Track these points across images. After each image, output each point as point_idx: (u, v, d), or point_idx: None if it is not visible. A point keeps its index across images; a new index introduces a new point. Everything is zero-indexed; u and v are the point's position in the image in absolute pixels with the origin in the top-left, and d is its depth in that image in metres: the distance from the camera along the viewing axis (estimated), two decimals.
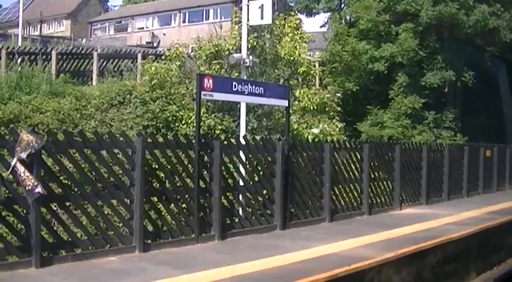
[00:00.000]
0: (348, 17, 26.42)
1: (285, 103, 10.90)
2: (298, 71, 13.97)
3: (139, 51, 21.24)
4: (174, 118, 13.55)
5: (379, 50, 21.91)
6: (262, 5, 10.47)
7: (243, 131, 10.71)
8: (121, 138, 8.09)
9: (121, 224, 8.23)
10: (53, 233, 7.41)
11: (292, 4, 32.08)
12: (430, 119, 22.22)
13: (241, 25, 14.16)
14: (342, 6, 28.25)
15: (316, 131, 13.89)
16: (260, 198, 10.31)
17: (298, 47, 14.06)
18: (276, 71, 13.66)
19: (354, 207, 12.74)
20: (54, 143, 7.39)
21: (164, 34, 46.81)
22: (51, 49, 18.16)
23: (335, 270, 7.55)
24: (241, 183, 9.98)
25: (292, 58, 13.86)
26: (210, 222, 9.24)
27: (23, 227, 7.07)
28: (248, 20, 10.64)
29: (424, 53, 22.33)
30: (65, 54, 18.76)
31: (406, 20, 22.42)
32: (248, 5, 10.66)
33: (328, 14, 29.05)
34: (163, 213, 8.71)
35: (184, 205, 8.98)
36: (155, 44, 46.80)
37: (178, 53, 15.69)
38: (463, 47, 22.66)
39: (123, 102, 13.82)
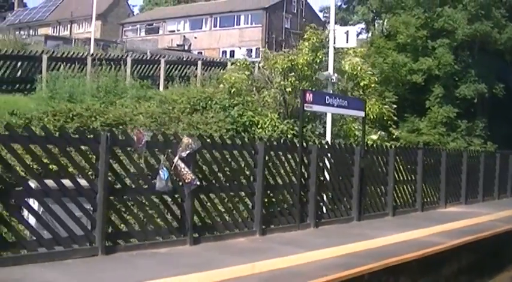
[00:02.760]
0: (382, 29, 28.29)
1: (362, 114, 12.88)
2: (361, 83, 15.81)
3: (199, 59, 23.18)
4: (251, 123, 15.39)
5: (417, 63, 23.84)
6: (348, 31, 12.37)
7: (328, 137, 12.62)
8: (247, 142, 10.01)
9: (244, 211, 10.09)
10: (200, 218, 9.26)
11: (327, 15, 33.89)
12: (462, 128, 24.18)
13: (310, 43, 16.14)
14: (375, 18, 30.10)
15: (374, 137, 15.79)
16: (341, 194, 12.22)
17: (359, 62, 15.89)
18: (339, 83, 15.50)
19: (409, 204, 14.68)
20: (204, 145, 9.28)
21: (195, 37, 48.76)
22: (127, 56, 20.09)
23: (420, 251, 9.47)
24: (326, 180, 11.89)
25: (355, 72, 15.70)
26: (306, 213, 11.13)
27: (180, 212, 8.92)
28: (334, 43, 12.52)
29: (458, 67, 24.23)
30: (137, 60, 20.65)
31: (441, 36, 24.34)
32: (335, 30, 12.56)
33: (358, 24, 30.99)
34: (274, 204, 10.59)
35: (289, 198, 10.85)
36: (186, 47, 48.77)
37: (247, 63, 17.53)
38: (493, 61, 24.50)
39: (205, 107, 15.68)
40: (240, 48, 46.79)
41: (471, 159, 17.99)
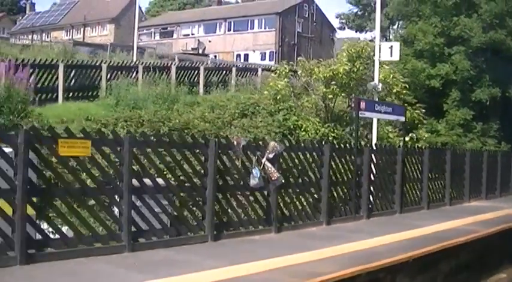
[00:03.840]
0: (397, 35, 29.96)
1: (403, 118, 14.51)
2: (393, 90, 17.42)
3: (233, 66, 24.80)
4: (295, 126, 16.98)
5: (435, 68, 25.54)
6: (392, 46, 14.00)
7: (374, 139, 14.25)
8: (316, 145, 11.62)
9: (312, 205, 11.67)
10: (281, 210, 10.83)
11: (343, 21, 35.53)
12: (478, 129, 25.93)
13: (347, 53, 17.72)
14: (391, 25, 31.78)
15: (406, 138, 17.42)
16: (387, 190, 13.83)
17: (391, 71, 17.50)
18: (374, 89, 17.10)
19: (439, 199, 16.30)
20: (290, 148, 10.88)
21: (210, 41, 50.33)
22: (171, 64, 21.69)
23: (469, 236, 11.11)
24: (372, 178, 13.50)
25: (388, 80, 17.30)
26: (360, 206, 12.74)
27: (265, 205, 10.48)
28: (380, 57, 14.14)
29: (473, 72, 25.94)
30: (179, 67, 22.19)
31: (457, 43, 26.06)
32: (380, 45, 14.19)
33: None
34: (336, 198, 12.18)
35: (347, 193, 12.45)
36: (200, 51, 50.31)
37: (286, 71, 19.12)
38: (506, 66, 26.20)
39: (253, 112, 17.27)
40: (254, 51, 48.42)
41: (490, 158, 19.64)
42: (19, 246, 6.80)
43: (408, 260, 8.57)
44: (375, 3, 31.54)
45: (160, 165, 9.07)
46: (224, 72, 23.45)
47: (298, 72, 19.14)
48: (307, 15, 50.45)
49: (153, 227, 8.47)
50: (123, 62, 21.65)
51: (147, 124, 14.43)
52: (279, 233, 10.40)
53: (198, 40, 50.77)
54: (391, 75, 17.48)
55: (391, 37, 30.23)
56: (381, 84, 14.50)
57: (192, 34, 53.07)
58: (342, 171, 12.24)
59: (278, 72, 19.38)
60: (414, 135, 17.64)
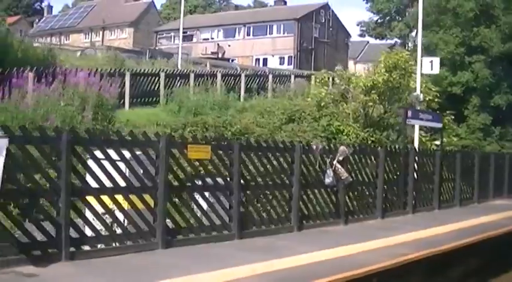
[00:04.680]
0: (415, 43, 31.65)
1: (440, 125, 16.25)
2: (426, 98, 19.09)
3: (269, 72, 26.54)
4: (337, 131, 18.65)
5: (456, 76, 27.33)
6: (432, 60, 15.73)
7: (416, 144, 15.97)
8: (374, 149, 13.35)
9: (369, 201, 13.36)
10: (347, 205, 12.48)
11: (363, 29, 37.22)
12: (496, 133, 27.73)
13: (385, 64, 19.38)
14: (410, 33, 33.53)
15: (437, 142, 19.11)
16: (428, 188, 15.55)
17: (424, 81, 19.19)
18: (408, 98, 18.83)
19: (468, 197, 18.01)
20: (358, 151, 12.59)
21: (229, 45, 52.00)
22: (217, 71, 23.45)
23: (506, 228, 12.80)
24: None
25: (421, 89, 18.98)
26: (406, 202, 14.45)
27: (335, 200, 12.16)
28: (421, 70, 15.86)
29: (492, 80, 27.71)
30: (223, 74, 23.90)
31: (477, 52, 27.82)
32: (422, 60, 15.91)
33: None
34: (388, 195, 13.88)
35: (397, 190, 14.15)
36: (220, 55, 52.02)
37: (325, 80, 20.81)
38: None
39: (300, 118, 18.95)
40: (273, 56, 50.12)
41: (511, 160, 21.37)
42: (160, 233, 8.49)
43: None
44: (395, 12, 33.47)
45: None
46: (262, 78, 25.18)
47: (337, 81, 20.82)
48: (323, 21, 52.18)
49: (253, 218, 10.19)
50: (177, 70, 23.36)
51: (211, 129, 16.10)
52: (346, 225, 12.12)
53: (218, 44, 52.41)
54: (424, 85, 19.16)
55: (409, 44, 31.91)
56: (422, 95, 16.20)
57: (212, 38, 54.74)
58: (393, 171, 13.96)
59: (318, 80, 21.06)
60: (444, 140, 19.35)
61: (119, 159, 8.15)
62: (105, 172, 7.93)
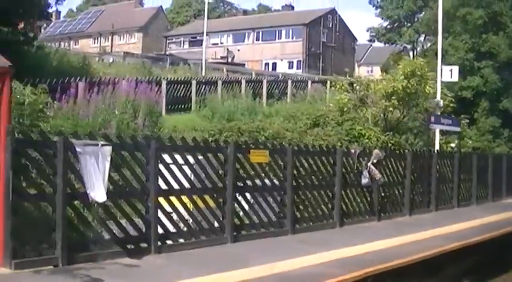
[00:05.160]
0: (426, 49, 32.95)
1: (459, 129, 17.42)
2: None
3: (289, 79, 27.74)
4: (359, 134, 19.73)
5: (466, 81, 28.55)
6: (452, 69, 16.92)
7: (437, 146, 17.12)
8: (403, 152, 14.51)
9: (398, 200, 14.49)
10: (380, 203, 13.61)
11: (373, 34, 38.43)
12: (505, 135, 29.03)
13: (403, 71, 20.48)
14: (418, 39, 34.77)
15: (453, 145, 20.28)
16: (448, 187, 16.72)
17: (442, 88, 20.33)
18: (424, 103, 20.00)
19: (484, 196, 19.16)
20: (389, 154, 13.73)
21: (238, 50, 53.22)
22: (241, 78, 24.67)
23: None
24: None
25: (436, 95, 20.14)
26: (430, 201, 15.60)
27: (370, 199, 13.29)
28: (441, 77, 17.02)
29: (501, 84, 29.01)
30: (248, 81, 25.13)
31: (486, 58, 29.09)
32: (441, 68, 17.09)
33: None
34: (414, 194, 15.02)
35: (423, 189, 15.31)
36: (230, 59, 53.19)
37: (344, 86, 21.91)
38: None
39: (324, 122, 20.04)
40: (282, 60, 51.35)
41: None
42: (229, 229, 9.61)
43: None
44: (404, 18, 34.68)
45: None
46: (282, 84, 26.37)
47: (356, 87, 21.90)
48: (330, 26, 53.44)
49: (303, 215, 11.33)
50: (207, 77, 24.57)
51: (246, 134, 17.17)
52: (379, 221, 13.26)
53: (227, 49, 53.62)
54: (440, 91, 20.30)
55: (418, 49, 33.18)
56: (441, 101, 17.37)
57: (221, 43, 55.95)
58: (419, 172, 15.12)
59: (338, 86, 22.20)
60: (458, 142, 20.53)
61: (194, 163, 9.26)
62: (184, 175, 9.04)
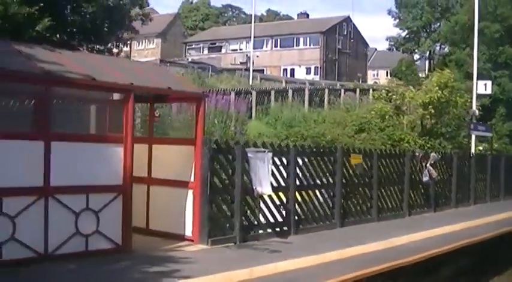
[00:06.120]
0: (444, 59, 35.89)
1: (491, 134, 20.26)
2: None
3: (326, 87, 30.65)
4: (399, 139, 22.53)
5: None
6: (486, 83, 19.76)
7: (472, 149, 19.96)
8: (450, 155, 17.33)
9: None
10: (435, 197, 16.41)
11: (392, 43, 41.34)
12: None
13: (437, 82, 23.30)
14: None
15: (481, 147, 23.16)
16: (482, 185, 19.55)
17: (469, 97, 23.19)
18: (455, 110, 22.88)
19: (510, 194, 21.99)
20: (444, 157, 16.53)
21: (257, 56, 55.92)
22: (288, 88, 27.65)
23: None
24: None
25: (467, 104, 22.98)
26: (469, 196, 18.40)
27: (427, 194, 16.06)
28: (477, 90, 19.88)
29: None
30: (294, 90, 28.03)
31: (502, 68, 32.06)
32: (477, 83, 19.94)
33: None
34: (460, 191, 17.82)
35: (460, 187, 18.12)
36: (249, 65, 55.84)
37: (382, 95, 24.75)
38: None
39: (368, 128, 22.84)
40: (300, 66, 54.20)
41: None
42: (338, 216, 12.39)
43: None
44: (422, 30, 37.62)
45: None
46: (320, 92, 29.24)
47: (392, 96, 24.73)
48: (345, 33, 56.36)
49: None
50: (264, 87, 27.40)
51: (308, 139, 19.93)
52: (435, 212, 16.06)
53: (247, 55, 56.27)
54: (469, 100, 23.16)
55: (436, 58, 36.11)
56: (477, 111, 20.23)
57: (240, 49, 58.72)
58: (462, 171, 17.95)
59: (377, 95, 25.04)
60: (486, 145, 23.44)
61: (309, 164, 11.99)
62: (307, 173, 11.80)
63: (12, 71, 7.77)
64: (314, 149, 12.46)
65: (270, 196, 10.73)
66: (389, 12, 50.06)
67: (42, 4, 16.83)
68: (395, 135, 22.67)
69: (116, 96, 9.88)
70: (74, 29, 20.35)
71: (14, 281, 7.02)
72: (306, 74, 52.81)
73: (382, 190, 14.11)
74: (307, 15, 62.70)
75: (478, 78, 20.62)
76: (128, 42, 26.31)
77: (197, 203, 9.68)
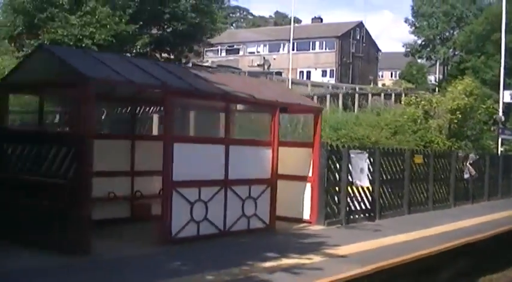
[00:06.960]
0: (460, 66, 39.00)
1: None
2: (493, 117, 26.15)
3: (356, 92, 33.60)
4: (430, 141, 25.53)
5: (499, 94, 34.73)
6: (511, 94, 22.80)
7: (499, 151, 22.97)
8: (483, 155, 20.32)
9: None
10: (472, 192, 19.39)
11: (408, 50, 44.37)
12: None
13: (462, 90, 26.31)
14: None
15: (501, 149, 26.20)
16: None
17: (489, 102, 26.27)
18: (478, 115, 25.96)
19: None
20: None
21: (274, 59, 58.82)
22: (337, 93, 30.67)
23: None
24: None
25: (489, 109, 26.04)
26: (497, 191, 21.41)
27: (466, 189, 19.02)
28: (503, 99, 22.90)
29: None
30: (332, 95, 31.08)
31: None
32: (503, 94, 22.95)
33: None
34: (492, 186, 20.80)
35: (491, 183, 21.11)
36: (266, 68, 58.69)
37: (412, 102, 27.76)
38: None
39: (402, 131, 25.80)
40: (316, 69, 57.13)
41: None
42: (406, 205, 15.35)
43: None
44: (438, 37, 40.63)
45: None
46: (351, 97, 32.23)
47: (421, 102, 27.74)
48: (358, 37, 59.39)
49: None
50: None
51: (355, 140, 22.85)
52: (472, 204, 19.05)
53: (264, 58, 59.13)
54: (492, 106, 26.22)
55: (450, 65, 39.12)
56: (503, 117, 23.25)
57: (257, 52, 61.54)
58: (492, 170, 20.93)
59: (407, 101, 28.05)
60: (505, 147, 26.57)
61: (388, 163, 14.91)
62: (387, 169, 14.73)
63: (202, 91, 10.58)
64: (391, 151, 15.34)
65: (362, 187, 13.64)
66: (406, 20, 53.42)
67: (141, 23, 19.44)
68: (426, 137, 25.70)
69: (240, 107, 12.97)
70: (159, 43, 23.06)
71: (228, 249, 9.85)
72: (322, 76, 55.79)
73: (435, 185, 17.05)
74: (321, 20, 65.69)
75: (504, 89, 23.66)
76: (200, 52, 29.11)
77: (315, 193, 12.55)
